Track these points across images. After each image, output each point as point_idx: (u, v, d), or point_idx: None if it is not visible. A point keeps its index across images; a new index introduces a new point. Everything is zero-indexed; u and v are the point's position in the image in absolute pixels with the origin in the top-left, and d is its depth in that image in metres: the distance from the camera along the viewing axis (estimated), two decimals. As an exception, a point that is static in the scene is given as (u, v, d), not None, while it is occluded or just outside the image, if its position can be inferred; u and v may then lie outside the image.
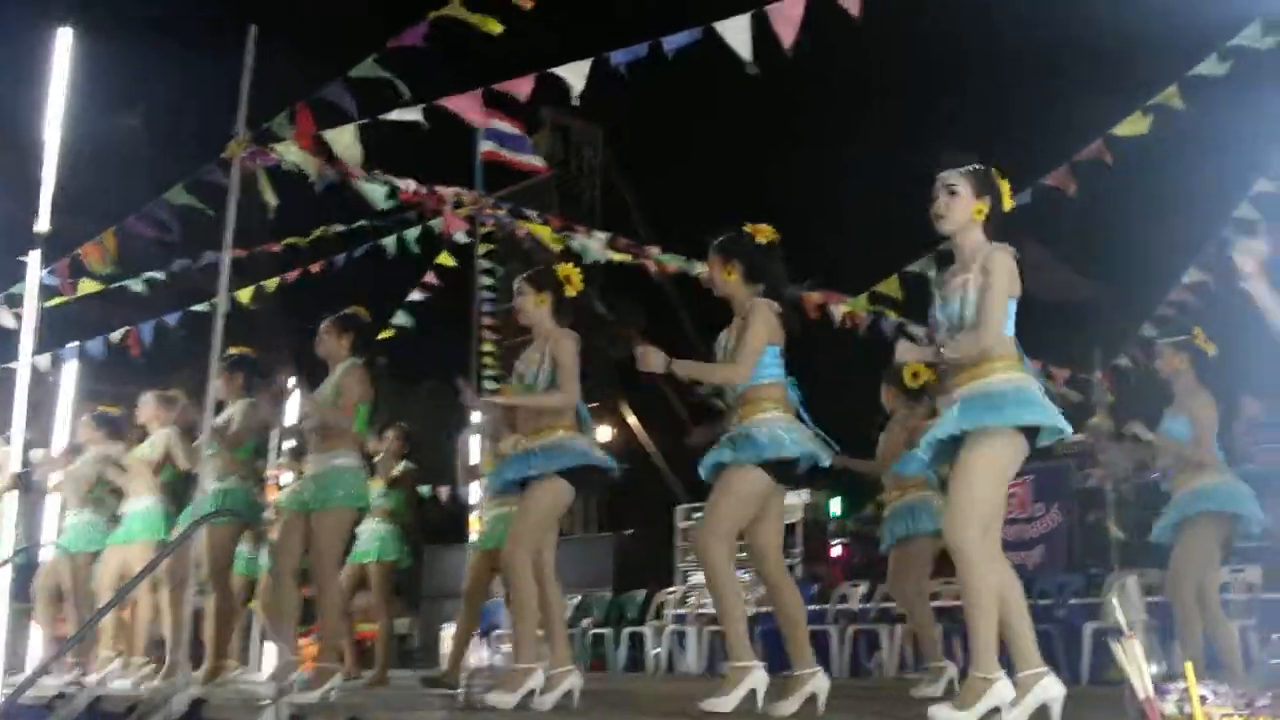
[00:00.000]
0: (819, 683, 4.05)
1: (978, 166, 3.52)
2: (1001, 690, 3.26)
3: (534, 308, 4.58)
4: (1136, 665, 2.17)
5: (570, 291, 4.60)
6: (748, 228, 4.18)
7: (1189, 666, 2.15)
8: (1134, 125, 6.54)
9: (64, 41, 6.16)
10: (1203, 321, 6.86)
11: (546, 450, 4.39)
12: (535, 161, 10.56)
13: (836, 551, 11.88)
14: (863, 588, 9.43)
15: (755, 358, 4.01)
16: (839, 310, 7.97)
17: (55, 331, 8.23)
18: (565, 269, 4.63)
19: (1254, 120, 6.79)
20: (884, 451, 6.10)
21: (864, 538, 11.55)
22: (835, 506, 12.53)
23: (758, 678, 3.98)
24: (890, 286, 7.57)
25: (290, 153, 5.11)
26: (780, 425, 3.99)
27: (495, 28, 4.91)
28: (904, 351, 3.67)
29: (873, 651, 8.85)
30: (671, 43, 5.17)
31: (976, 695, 3.26)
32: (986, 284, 3.40)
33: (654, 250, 8.59)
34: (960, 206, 3.48)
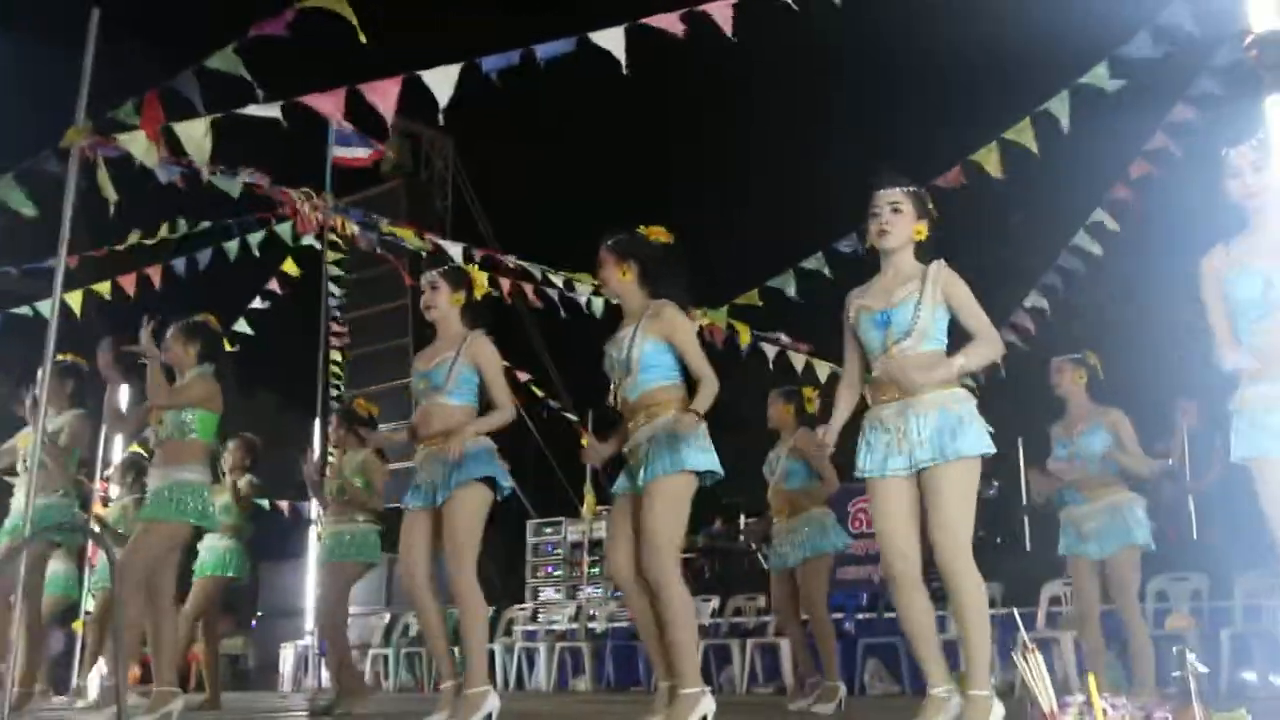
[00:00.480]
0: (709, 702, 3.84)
1: (918, 188, 3.60)
2: (998, 709, 3.29)
3: (448, 305, 4.33)
4: (1039, 678, 2.18)
5: (478, 294, 4.43)
6: (642, 229, 4.08)
7: (1092, 678, 2.16)
8: (984, 156, 6.72)
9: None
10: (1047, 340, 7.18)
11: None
12: (379, 151, 10.31)
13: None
14: (714, 602, 9.48)
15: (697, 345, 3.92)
16: (698, 322, 7.99)
17: None
18: (474, 271, 4.48)
19: (1100, 153, 7.13)
20: (776, 469, 6.12)
21: (713, 552, 11.65)
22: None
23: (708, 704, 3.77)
24: (750, 299, 7.61)
25: (135, 144, 4.77)
26: (701, 426, 3.85)
27: (351, 16, 4.68)
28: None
29: (724, 667, 8.88)
30: (546, 51, 5.07)
31: (985, 713, 3.27)
32: (960, 295, 3.47)
33: (511, 259, 8.44)
34: (904, 224, 3.54)
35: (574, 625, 10.63)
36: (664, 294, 3.97)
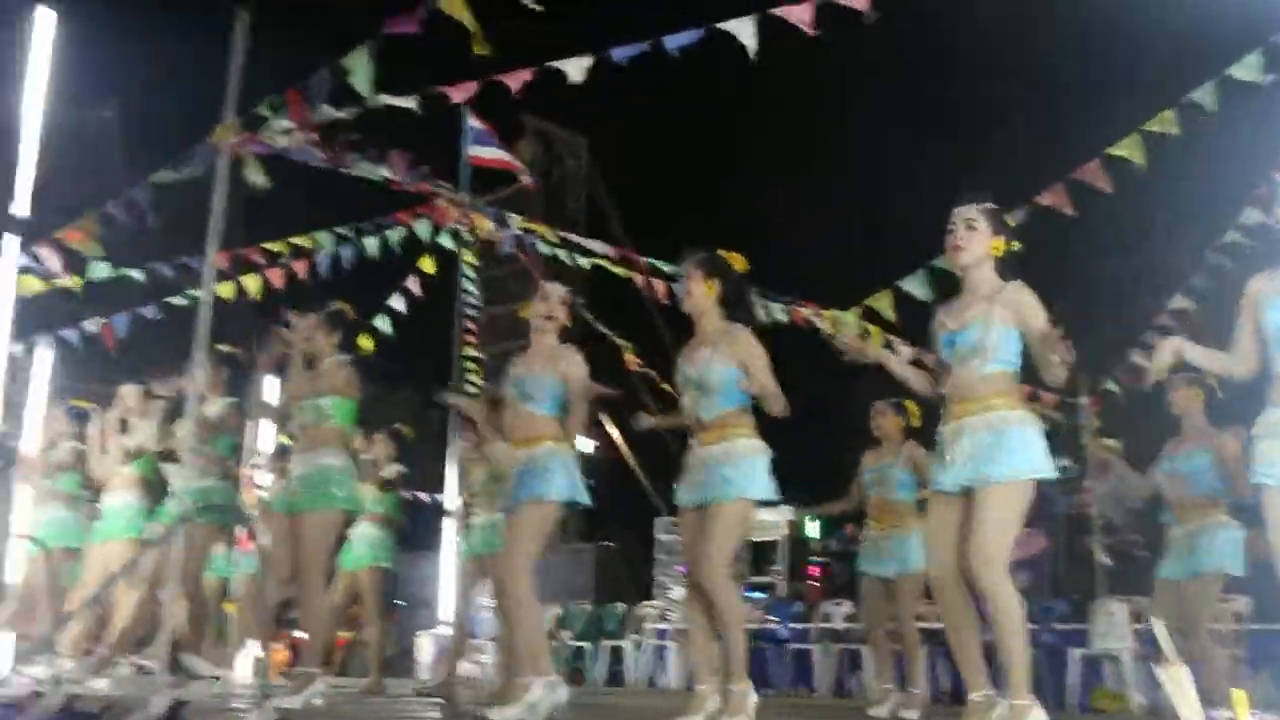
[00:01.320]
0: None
1: (994, 205, 3.65)
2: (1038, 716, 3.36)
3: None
4: (1183, 692, 2.07)
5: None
6: (721, 253, 4.20)
7: (1239, 695, 2.05)
8: (1128, 148, 6.48)
9: (44, 22, 6.00)
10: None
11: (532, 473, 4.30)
12: (519, 164, 10.49)
13: (815, 570, 11.82)
14: (846, 606, 9.34)
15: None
16: (824, 324, 7.88)
17: (30, 322, 8.05)
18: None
19: (1248, 147, 6.77)
20: (887, 478, 6.04)
21: (845, 556, 11.50)
22: (813, 526, 12.46)
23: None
24: (882, 302, 7.43)
25: (280, 138, 4.95)
26: (765, 456, 4.03)
27: (480, 49, 4.73)
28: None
29: (855, 670, 8.75)
30: (674, 41, 5.08)
31: None
32: (1028, 317, 3.50)
33: (646, 260, 8.49)
34: (979, 241, 3.60)
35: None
36: (738, 318, 4.15)
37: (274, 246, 8.83)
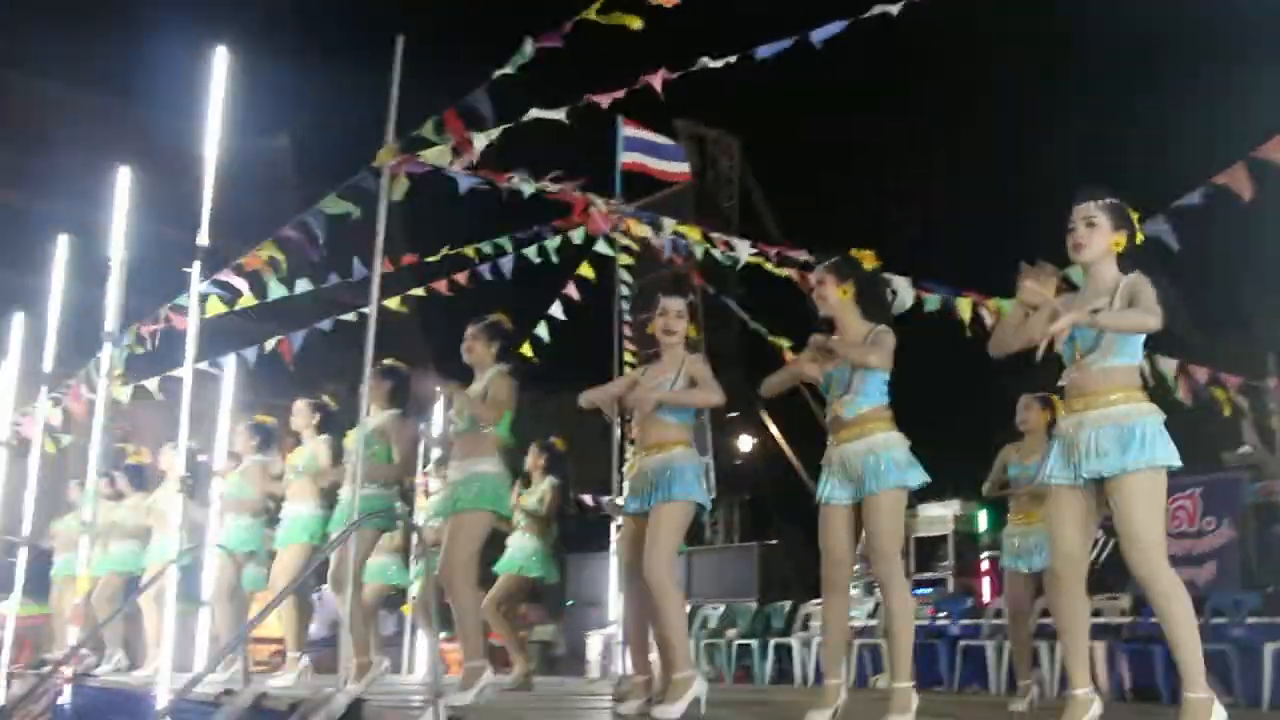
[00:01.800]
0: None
1: (1114, 200, 3.67)
2: (1219, 712, 3.38)
3: (683, 334, 4.68)
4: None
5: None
6: (853, 253, 4.27)
7: None
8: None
9: (220, 60, 6.39)
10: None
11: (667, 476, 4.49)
12: (678, 168, 10.56)
13: (986, 565, 11.51)
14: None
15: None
16: (989, 314, 7.67)
17: (215, 342, 8.56)
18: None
19: None
20: (1023, 475, 5.95)
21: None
22: (983, 519, 12.15)
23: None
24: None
25: (437, 157, 5.16)
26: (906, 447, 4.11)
27: (634, 22, 4.87)
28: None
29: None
30: (820, 34, 5.07)
31: (1206, 714, 3.36)
32: (1140, 298, 3.51)
33: (801, 255, 8.42)
34: (1099, 238, 3.63)
35: (872, 621, 10.46)
36: (875, 315, 4.21)
37: (441, 252, 9.14)
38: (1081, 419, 3.55)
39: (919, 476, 4.08)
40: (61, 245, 8.72)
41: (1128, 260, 3.64)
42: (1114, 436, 3.47)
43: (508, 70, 5.06)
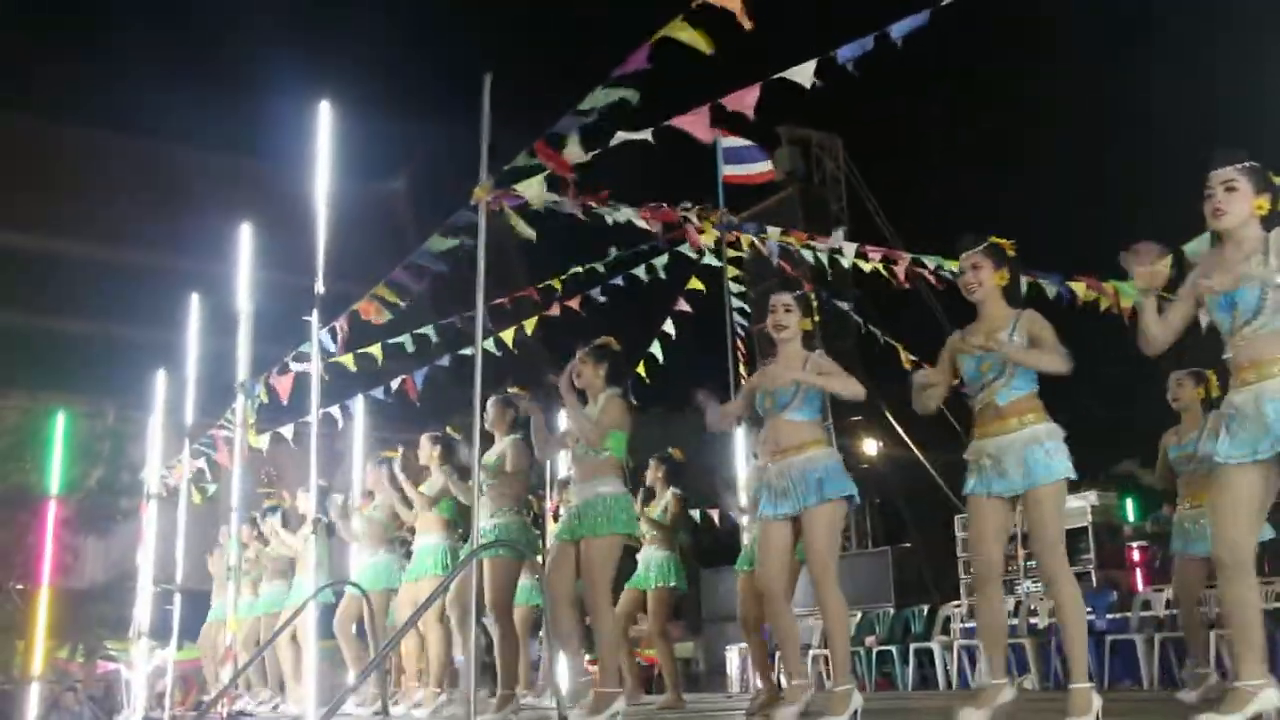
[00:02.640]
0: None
1: (1254, 164, 3.55)
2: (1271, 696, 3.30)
3: (797, 328, 4.74)
4: None
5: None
6: (996, 240, 4.18)
7: None
8: None
9: (324, 114, 6.64)
10: None
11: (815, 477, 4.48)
12: (761, 169, 10.52)
13: (1136, 555, 11.12)
14: (1168, 592, 8.75)
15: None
16: (1111, 300, 7.44)
17: (343, 385, 8.85)
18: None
19: None
20: (1184, 456, 5.74)
21: (1164, 538, 10.76)
22: (1129, 508, 11.75)
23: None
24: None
25: (531, 190, 5.25)
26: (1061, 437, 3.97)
27: (706, 47, 4.87)
28: None
29: (1185, 660, 8.17)
30: (899, 29, 4.99)
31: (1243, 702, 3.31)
32: None
33: (906, 255, 8.31)
34: (1240, 202, 3.49)
35: (1014, 621, 10.20)
36: (1016, 302, 4.16)
37: (549, 284, 9.29)
38: (1258, 391, 3.36)
39: (1068, 469, 3.95)
40: (194, 302, 9.14)
41: (1273, 221, 3.50)
42: None
43: (597, 99, 5.11)
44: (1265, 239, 3.46)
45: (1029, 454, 3.90)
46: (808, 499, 4.42)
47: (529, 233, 5.50)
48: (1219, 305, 3.49)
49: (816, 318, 4.81)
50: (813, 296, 4.85)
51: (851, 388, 4.54)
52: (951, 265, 7.57)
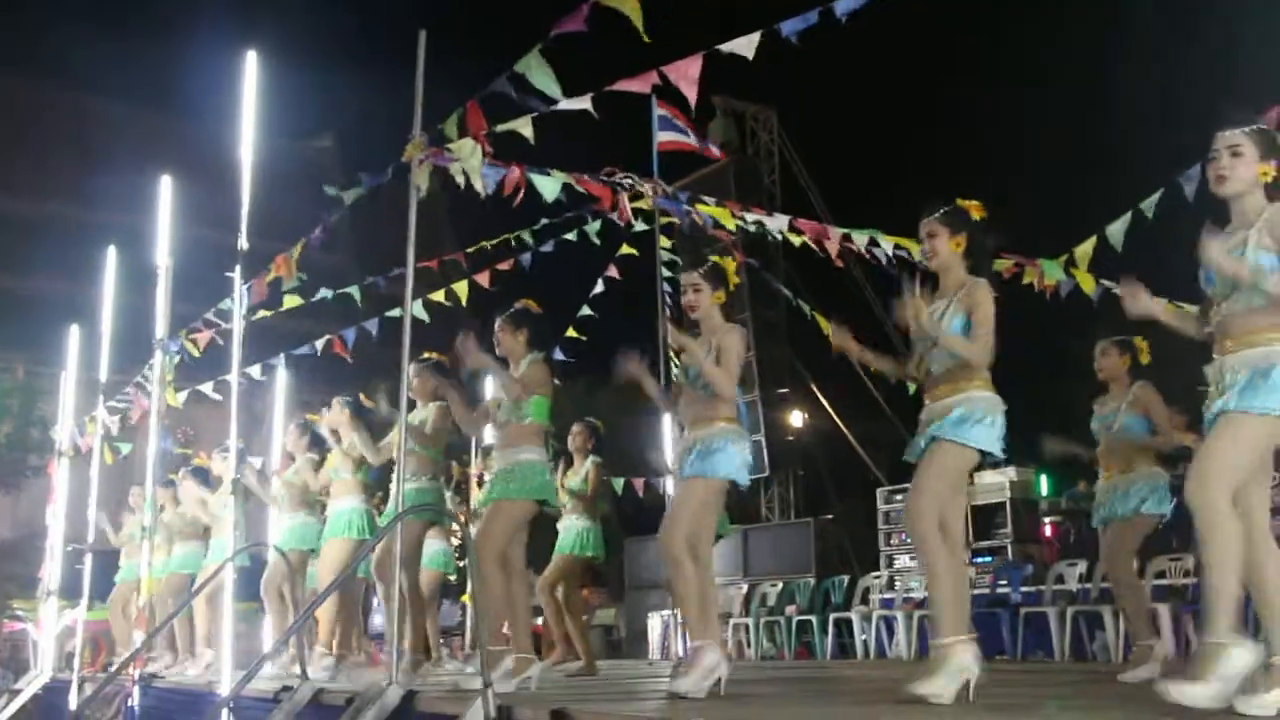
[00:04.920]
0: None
1: (1262, 126, 3.38)
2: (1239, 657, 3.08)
3: (709, 304, 4.58)
4: None
5: (732, 286, 4.67)
6: (960, 203, 4.05)
7: None
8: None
9: (251, 65, 6.44)
10: None
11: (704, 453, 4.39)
12: (711, 148, 10.50)
13: (1048, 530, 11.38)
14: (1081, 567, 8.97)
15: (991, 336, 3.90)
16: (1035, 277, 7.55)
17: (264, 344, 8.67)
18: (726, 262, 4.64)
19: None
20: (1115, 423, 5.74)
21: (1078, 514, 11.02)
22: (1044, 484, 12.00)
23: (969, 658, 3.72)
24: (1085, 249, 7.05)
25: (463, 152, 5.15)
26: (999, 413, 3.89)
27: (640, 25, 4.79)
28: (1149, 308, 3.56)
29: (1096, 634, 8.39)
30: (843, 6, 4.97)
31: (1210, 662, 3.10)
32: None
33: (836, 230, 8.33)
34: (1244, 167, 3.35)
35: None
36: (981, 269, 4.00)
37: (481, 245, 9.18)
38: (1222, 361, 3.33)
39: (985, 440, 3.82)
40: (110, 256, 8.88)
41: (1277, 190, 3.35)
42: (1241, 379, 3.24)
43: (530, 60, 5.02)
44: (1264, 212, 3.32)
45: (949, 419, 3.84)
46: (688, 470, 4.38)
47: (424, 189, 5.34)
48: (1205, 275, 3.43)
49: (736, 280, 4.69)
50: (731, 264, 4.73)
51: (718, 382, 4.40)
52: (889, 240, 7.63)
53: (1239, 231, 3.34)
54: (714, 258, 4.75)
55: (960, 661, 3.66)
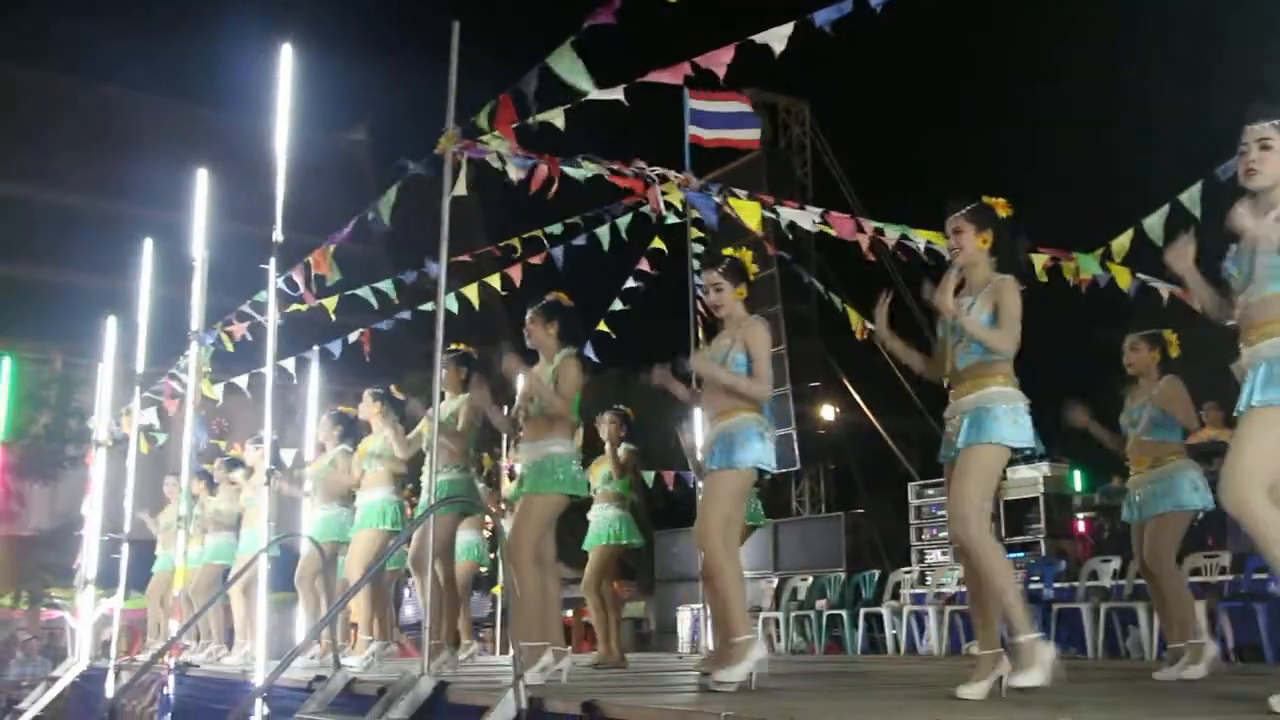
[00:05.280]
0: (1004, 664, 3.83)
1: None
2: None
3: (731, 300, 4.59)
4: None
5: (751, 277, 4.67)
6: (986, 200, 4.05)
7: None
8: None
9: (286, 58, 6.47)
10: None
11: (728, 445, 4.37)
12: (749, 134, 10.44)
13: (1082, 526, 11.29)
14: (1115, 563, 8.89)
15: (1018, 330, 3.88)
16: (1070, 272, 7.47)
17: (299, 337, 8.73)
18: (745, 255, 4.65)
19: None
20: (1140, 419, 5.66)
21: (1111, 510, 10.92)
22: (1077, 479, 11.91)
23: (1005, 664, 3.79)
24: (1122, 243, 6.98)
25: (497, 144, 5.16)
26: (1021, 406, 3.87)
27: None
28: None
29: (1129, 629, 8.32)
30: (877, -3, 4.95)
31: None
32: None
33: (869, 223, 8.28)
34: (1274, 162, 3.37)
35: (963, 588, 10.32)
36: (1007, 266, 4.00)
37: (511, 238, 9.18)
38: (1255, 352, 3.31)
39: (1015, 436, 3.83)
40: (146, 249, 8.96)
41: None
42: (1262, 371, 3.24)
43: (563, 53, 5.03)
44: None
45: (973, 417, 3.85)
46: (715, 461, 4.39)
47: (461, 187, 5.34)
48: (1232, 264, 3.44)
49: (754, 270, 4.68)
50: (748, 254, 4.72)
51: (741, 385, 4.40)
52: (921, 235, 7.56)
53: (1275, 222, 3.32)
54: (728, 251, 4.74)
55: (1043, 656, 3.71)
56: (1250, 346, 3.32)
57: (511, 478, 8.94)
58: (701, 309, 10.63)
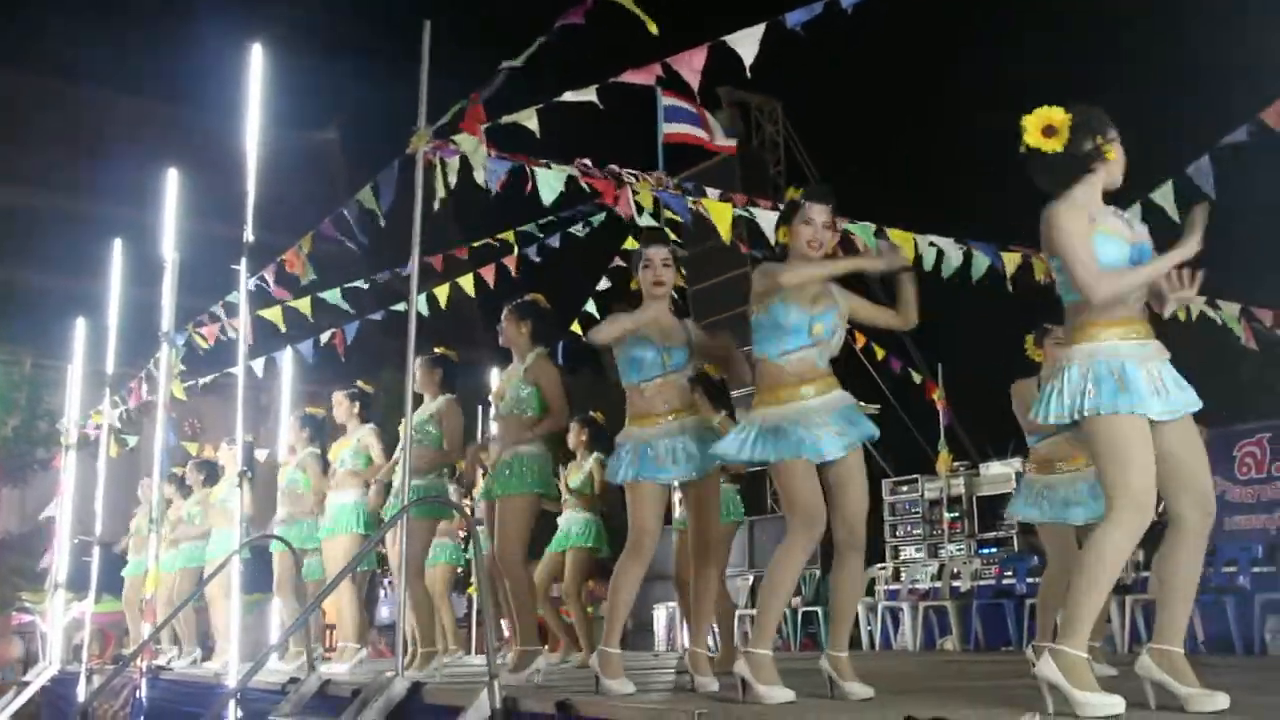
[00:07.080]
0: None
1: None
2: None
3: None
4: None
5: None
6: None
7: None
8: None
9: (256, 58, 6.44)
10: None
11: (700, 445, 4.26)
12: (720, 140, 10.46)
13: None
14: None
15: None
16: (1041, 271, 7.53)
17: (270, 337, 8.68)
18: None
19: None
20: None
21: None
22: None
23: None
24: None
25: (467, 144, 5.14)
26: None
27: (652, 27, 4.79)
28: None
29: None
30: (849, -1, 4.96)
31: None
32: None
33: (841, 221, 8.29)
34: None
35: (937, 584, 10.40)
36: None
37: (484, 239, 9.15)
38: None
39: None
40: (116, 249, 8.90)
41: None
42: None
43: (531, 52, 5.02)
44: None
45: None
46: (706, 464, 4.21)
47: (443, 194, 5.32)
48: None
49: (684, 271, 4.69)
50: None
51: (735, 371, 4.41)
52: (893, 234, 7.59)
53: None
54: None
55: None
56: None
57: (484, 476, 8.93)
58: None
